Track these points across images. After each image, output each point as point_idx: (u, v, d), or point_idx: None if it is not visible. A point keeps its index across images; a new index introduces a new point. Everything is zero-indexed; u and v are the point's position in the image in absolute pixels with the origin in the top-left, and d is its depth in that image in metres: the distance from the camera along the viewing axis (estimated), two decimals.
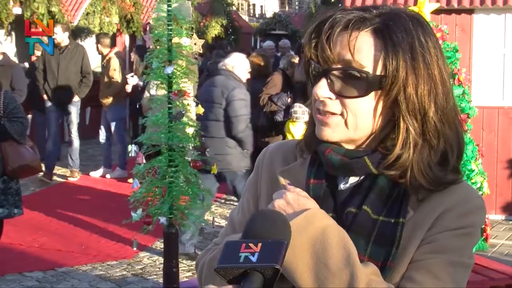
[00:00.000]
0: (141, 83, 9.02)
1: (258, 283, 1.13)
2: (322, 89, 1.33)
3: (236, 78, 6.44)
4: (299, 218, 1.27)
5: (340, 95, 1.33)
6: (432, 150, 1.34)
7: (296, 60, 8.75)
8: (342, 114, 1.34)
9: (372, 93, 1.32)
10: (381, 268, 1.29)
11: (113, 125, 9.79)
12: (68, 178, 9.81)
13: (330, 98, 1.34)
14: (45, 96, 9.51)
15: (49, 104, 9.57)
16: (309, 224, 1.26)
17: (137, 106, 9.27)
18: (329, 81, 1.33)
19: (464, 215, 1.33)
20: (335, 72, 1.33)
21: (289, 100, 7.95)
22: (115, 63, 9.65)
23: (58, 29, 9.07)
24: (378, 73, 1.31)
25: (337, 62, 1.33)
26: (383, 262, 1.30)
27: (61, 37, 9.28)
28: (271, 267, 1.13)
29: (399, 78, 1.30)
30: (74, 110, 9.68)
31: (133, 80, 9.39)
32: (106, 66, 9.80)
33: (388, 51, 1.30)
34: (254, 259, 1.14)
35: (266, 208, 1.28)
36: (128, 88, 9.48)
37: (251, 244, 1.16)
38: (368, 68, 1.31)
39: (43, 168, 9.17)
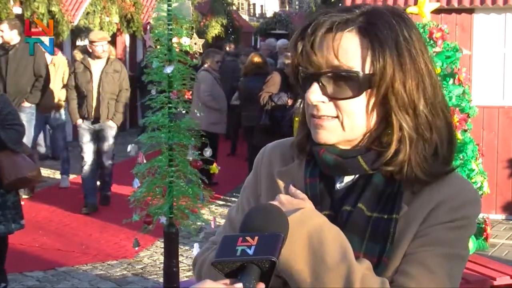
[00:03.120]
0: None
1: (255, 276, 1.13)
2: (314, 93, 1.34)
3: None
4: (295, 214, 1.28)
5: (333, 98, 1.34)
6: (425, 143, 1.35)
7: None
8: (337, 117, 1.35)
9: (364, 92, 1.33)
10: (377, 264, 1.31)
11: (61, 130, 9.37)
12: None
13: (323, 102, 1.34)
14: None
15: None
16: (306, 221, 1.27)
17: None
18: (320, 85, 1.34)
19: (457, 208, 1.34)
20: (325, 76, 1.33)
21: (289, 101, 7.97)
22: (65, 64, 9.32)
23: (4, 26, 8.02)
24: (367, 72, 1.32)
25: (325, 66, 1.33)
26: (378, 258, 1.31)
27: (8, 35, 8.00)
28: (268, 259, 1.13)
29: (386, 75, 1.31)
30: (24, 119, 8.18)
31: None
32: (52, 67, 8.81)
33: (375, 49, 1.31)
34: (250, 252, 1.14)
35: (264, 202, 1.29)
36: None
37: (248, 237, 1.16)
38: (357, 68, 1.32)
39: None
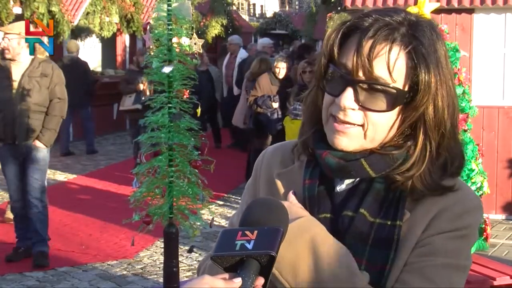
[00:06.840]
0: None
1: (254, 270, 1.13)
2: (348, 99, 1.30)
3: None
4: (298, 220, 1.27)
5: (364, 107, 1.31)
6: (437, 161, 1.34)
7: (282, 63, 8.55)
8: (362, 125, 1.32)
9: (397, 107, 1.31)
10: (380, 272, 1.29)
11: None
12: None
13: (353, 109, 1.31)
14: None
15: None
16: (309, 227, 1.27)
17: None
18: (354, 91, 1.31)
19: (459, 216, 1.32)
20: (362, 84, 1.31)
21: (272, 104, 7.98)
22: None
23: None
24: (405, 88, 1.30)
25: (363, 73, 1.29)
26: (381, 266, 1.29)
27: None
28: (267, 254, 1.13)
29: (431, 92, 1.29)
30: None
31: None
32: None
33: (420, 67, 1.29)
34: (250, 246, 1.14)
35: (263, 196, 1.28)
36: None
37: (247, 232, 1.16)
38: (397, 83, 1.29)
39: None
